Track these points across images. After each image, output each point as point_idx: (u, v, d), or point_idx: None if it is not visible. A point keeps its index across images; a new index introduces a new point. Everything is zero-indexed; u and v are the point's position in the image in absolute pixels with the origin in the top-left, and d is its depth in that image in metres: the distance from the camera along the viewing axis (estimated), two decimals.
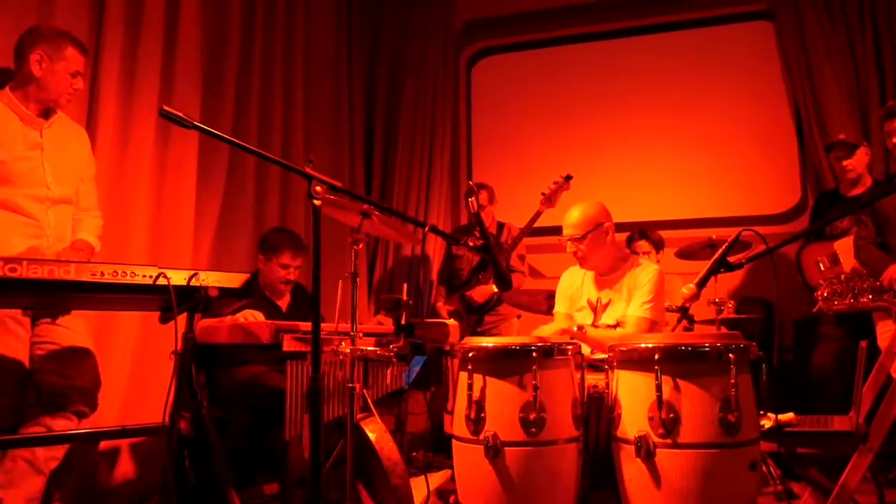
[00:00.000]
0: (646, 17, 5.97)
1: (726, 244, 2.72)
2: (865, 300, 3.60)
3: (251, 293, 3.38)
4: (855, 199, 4.29)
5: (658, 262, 4.86)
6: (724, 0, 5.76)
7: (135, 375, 3.47)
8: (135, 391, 3.46)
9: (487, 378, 2.56)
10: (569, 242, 3.36)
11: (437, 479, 3.96)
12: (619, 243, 3.46)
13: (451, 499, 3.16)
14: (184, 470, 2.76)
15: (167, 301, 2.20)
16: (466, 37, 6.53)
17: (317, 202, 2.16)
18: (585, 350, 2.88)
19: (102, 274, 2.11)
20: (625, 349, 2.55)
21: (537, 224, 4.83)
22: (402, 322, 2.96)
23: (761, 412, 2.60)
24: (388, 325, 3.46)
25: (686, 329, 4.05)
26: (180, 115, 2.00)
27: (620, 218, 5.45)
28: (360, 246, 2.63)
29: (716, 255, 2.70)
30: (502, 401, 2.53)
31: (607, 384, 2.66)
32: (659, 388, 2.36)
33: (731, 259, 2.69)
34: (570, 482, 2.56)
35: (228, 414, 3.27)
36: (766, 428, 2.67)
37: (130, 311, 3.30)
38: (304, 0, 5.21)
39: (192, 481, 2.80)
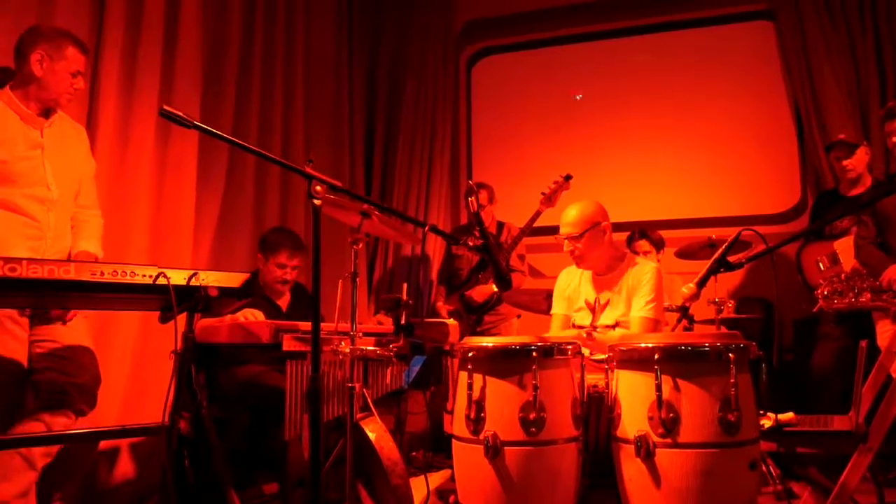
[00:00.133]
0: (646, 17, 5.97)
1: (726, 244, 2.72)
2: (865, 300, 3.60)
3: (251, 293, 3.39)
4: (855, 199, 4.29)
5: (658, 261, 4.86)
6: (725, 0, 5.76)
7: (134, 375, 3.47)
8: (134, 391, 3.46)
9: (487, 378, 2.56)
10: (566, 241, 3.36)
11: (436, 478, 3.96)
12: (616, 243, 3.45)
13: (451, 498, 3.16)
14: (183, 470, 2.76)
15: (167, 301, 2.20)
16: (466, 37, 6.53)
17: (317, 202, 2.16)
18: (584, 351, 2.87)
19: (102, 273, 2.11)
20: (624, 349, 2.55)
21: (537, 224, 4.83)
22: (402, 322, 2.96)
23: (761, 412, 2.60)
24: (387, 324, 3.46)
25: (686, 329, 4.05)
26: (180, 114, 2.00)
27: (620, 217, 5.46)
28: (360, 246, 2.63)
29: (716, 255, 2.70)
30: (502, 400, 2.53)
31: (607, 384, 2.66)
32: (659, 388, 2.36)
33: (731, 259, 2.69)
34: (569, 482, 2.56)
35: (228, 414, 3.27)
36: (766, 427, 2.67)
37: (130, 310, 3.30)
38: (304, 1, 5.21)
39: (192, 481, 2.80)
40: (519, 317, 5.07)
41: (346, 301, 2.58)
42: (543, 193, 4.85)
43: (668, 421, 2.35)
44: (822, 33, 5.22)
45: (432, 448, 4.61)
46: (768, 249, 2.60)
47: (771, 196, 5.54)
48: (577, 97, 6.02)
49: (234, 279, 2.37)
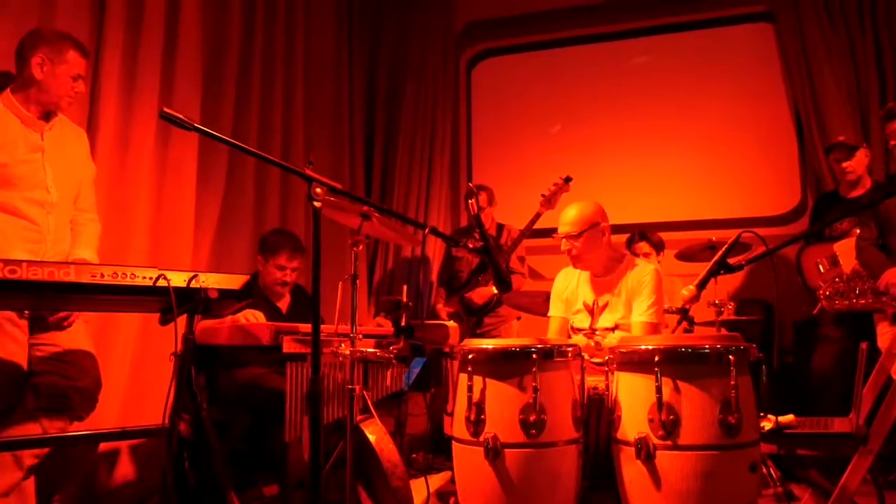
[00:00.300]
0: (646, 19, 5.97)
1: (726, 246, 2.72)
2: (864, 301, 3.60)
3: (251, 295, 3.39)
4: (854, 201, 4.29)
5: (659, 263, 4.86)
6: (725, 2, 5.76)
7: (134, 377, 3.47)
8: (134, 393, 3.46)
9: (487, 380, 2.56)
10: (563, 240, 3.34)
11: (436, 480, 3.96)
12: (614, 244, 3.44)
13: (451, 500, 3.16)
14: (183, 471, 2.77)
15: (167, 302, 2.20)
16: (467, 38, 6.53)
17: (317, 204, 2.16)
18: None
19: (102, 275, 2.11)
20: (624, 350, 2.55)
21: (537, 226, 4.83)
22: (402, 324, 2.96)
23: (761, 414, 2.60)
24: (387, 326, 3.46)
25: (686, 331, 4.05)
26: (180, 116, 2.00)
27: (621, 219, 5.48)
28: (360, 247, 2.63)
29: (716, 257, 2.70)
30: (502, 402, 2.53)
31: (607, 386, 2.66)
32: (659, 390, 2.36)
33: (731, 261, 2.69)
34: (570, 484, 2.56)
35: (228, 415, 3.27)
36: (767, 429, 2.67)
37: (130, 312, 3.30)
38: (304, 1, 5.22)
39: (192, 483, 2.80)
40: (519, 319, 5.07)
41: (346, 303, 2.58)
42: (543, 195, 4.85)
43: (668, 423, 2.35)
44: (822, 35, 5.22)
45: (432, 450, 4.61)
46: (768, 251, 2.60)
47: (771, 198, 5.54)
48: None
49: (234, 281, 2.37)
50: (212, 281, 2.31)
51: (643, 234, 4.94)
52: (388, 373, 3.02)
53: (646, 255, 4.80)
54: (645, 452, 2.36)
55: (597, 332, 3.23)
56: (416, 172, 6.13)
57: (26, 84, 2.74)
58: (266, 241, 3.77)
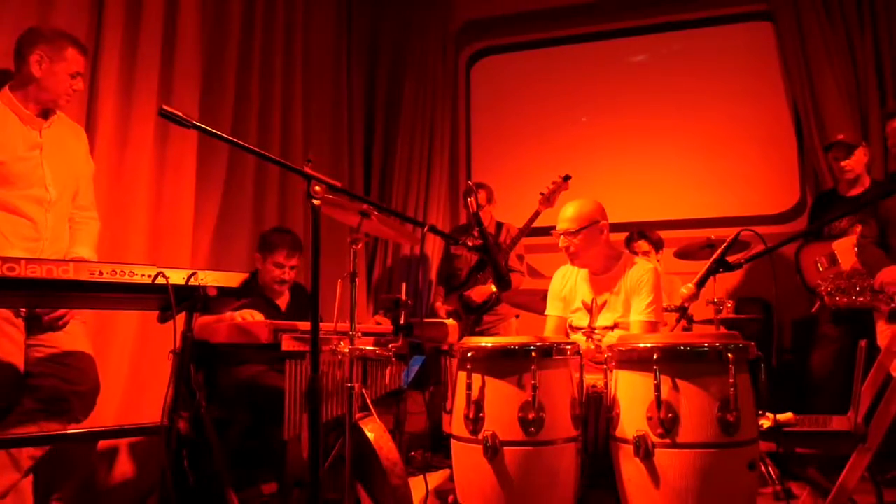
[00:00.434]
0: (645, 18, 5.98)
1: (725, 244, 2.72)
2: (863, 298, 3.61)
3: (250, 293, 3.38)
4: (853, 200, 4.29)
5: (658, 261, 4.86)
6: (724, 1, 5.76)
7: (133, 375, 3.47)
8: (133, 391, 3.46)
9: (486, 378, 2.56)
10: (561, 237, 3.34)
11: (435, 478, 3.96)
12: (612, 243, 3.44)
13: (450, 498, 3.16)
14: (182, 470, 2.76)
15: (166, 300, 2.19)
16: (466, 36, 6.53)
17: (316, 202, 2.16)
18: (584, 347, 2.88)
19: (101, 273, 2.10)
20: (623, 349, 2.55)
21: (536, 224, 4.83)
22: (401, 322, 2.96)
23: (760, 412, 2.60)
24: (386, 324, 3.46)
25: (685, 329, 4.05)
26: (179, 114, 2.00)
27: (619, 218, 5.46)
28: (359, 245, 2.63)
29: (715, 255, 2.70)
30: (501, 400, 2.53)
31: (606, 384, 2.66)
32: (658, 388, 2.36)
33: (730, 259, 2.69)
34: (568, 482, 2.56)
35: (227, 414, 3.27)
36: (765, 428, 2.67)
37: (129, 310, 3.30)
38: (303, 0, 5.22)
39: (191, 481, 2.80)
40: (517, 317, 5.07)
41: (345, 301, 2.58)
42: (542, 194, 4.85)
43: (666, 421, 2.35)
44: (822, 34, 5.23)
45: (431, 448, 4.61)
46: (767, 250, 2.60)
47: (770, 196, 5.54)
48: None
49: (233, 279, 2.37)
50: (211, 279, 2.30)
51: (642, 233, 4.95)
52: (387, 371, 3.02)
53: (645, 254, 4.80)
54: (644, 450, 2.37)
55: (596, 331, 3.23)
56: (416, 170, 6.13)
57: (25, 82, 2.73)
58: (265, 239, 3.77)
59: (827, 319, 4.24)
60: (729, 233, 2.80)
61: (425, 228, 2.68)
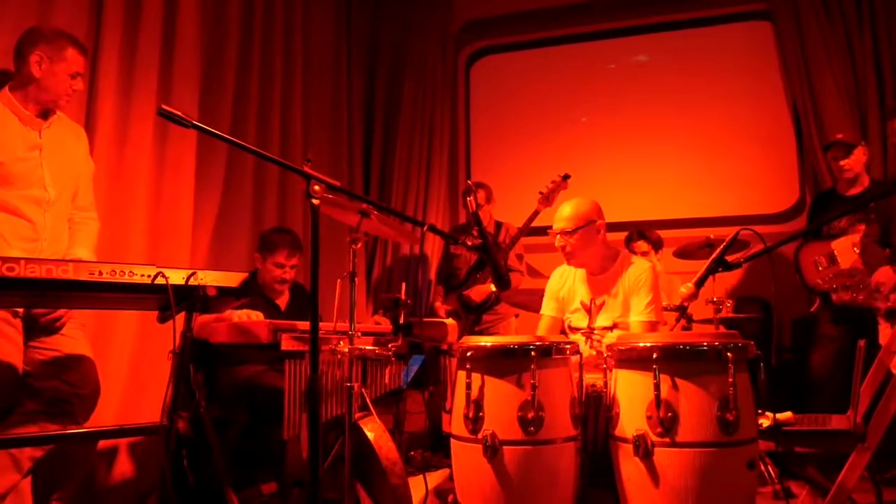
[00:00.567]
0: (644, 17, 5.98)
1: (724, 243, 2.73)
2: (863, 296, 3.61)
3: (250, 292, 3.38)
4: (852, 199, 4.30)
5: (658, 260, 4.87)
6: (723, 0, 5.76)
7: (133, 375, 3.47)
8: (133, 390, 3.46)
9: (486, 377, 2.56)
10: (558, 236, 3.34)
11: (435, 478, 3.96)
12: (609, 242, 3.43)
13: (450, 498, 3.16)
14: (182, 469, 2.76)
15: (165, 300, 2.19)
16: (465, 36, 6.53)
17: (315, 201, 2.16)
18: (583, 349, 2.88)
19: (100, 273, 2.10)
20: (623, 348, 2.55)
21: (535, 223, 4.83)
22: (401, 321, 2.96)
23: (759, 411, 2.60)
24: (386, 324, 3.46)
25: (684, 328, 4.06)
26: (179, 113, 2.00)
27: (619, 217, 5.48)
28: (359, 245, 2.62)
29: (714, 255, 2.70)
30: (500, 400, 2.53)
31: (605, 383, 2.67)
32: (657, 387, 2.36)
33: (730, 258, 2.70)
34: (568, 481, 2.56)
35: (227, 413, 3.27)
36: (765, 427, 2.67)
37: (128, 310, 3.30)
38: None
39: (191, 481, 2.80)
40: (517, 316, 5.07)
41: (344, 300, 2.58)
42: (541, 193, 4.85)
43: (666, 420, 2.35)
44: (821, 33, 5.23)
45: (431, 447, 4.61)
46: (766, 249, 2.61)
47: (769, 196, 5.54)
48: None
49: (232, 279, 2.37)
50: (210, 279, 2.30)
51: (641, 233, 4.95)
52: (387, 370, 3.02)
53: (644, 254, 4.80)
54: (643, 449, 2.37)
55: (595, 332, 3.23)
56: (415, 170, 6.13)
57: (25, 82, 2.73)
58: (265, 238, 3.77)
59: (826, 319, 4.24)
60: (728, 232, 2.80)
61: (425, 228, 2.68)
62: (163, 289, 2.17)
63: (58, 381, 2.66)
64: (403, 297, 3.06)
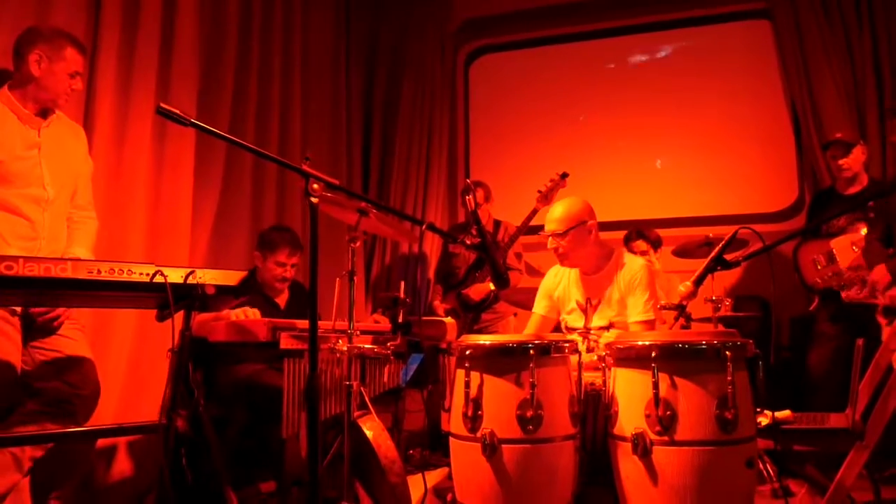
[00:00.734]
0: (643, 16, 5.98)
1: (723, 242, 2.73)
2: (866, 293, 3.61)
3: (249, 291, 3.38)
4: (851, 198, 4.30)
5: (657, 259, 4.87)
6: None
7: (131, 373, 3.47)
8: (132, 389, 3.46)
9: (484, 375, 2.56)
10: (550, 238, 3.34)
11: (434, 476, 3.96)
12: (603, 241, 3.43)
13: (449, 497, 3.16)
14: (181, 468, 2.76)
15: (164, 299, 2.19)
16: (464, 34, 6.53)
17: (314, 200, 2.16)
18: (581, 348, 2.88)
19: (99, 272, 2.10)
20: (622, 346, 2.55)
21: (533, 222, 4.82)
22: (400, 320, 2.96)
23: (758, 409, 2.61)
24: (385, 323, 3.46)
25: (683, 327, 4.06)
26: (177, 112, 2.00)
27: (617, 216, 5.50)
28: (358, 244, 2.63)
29: (713, 253, 2.70)
30: (499, 398, 2.53)
31: (604, 382, 2.67)
32: (656, 386, 2.36)
33: (728, 257, 2.70)
34: (567, 479, 2.56)
35: (225, 412, 3.27)
36: (763, 425, 2.68)
37: (127, 308, 3.29)
38: None
39: (190, 480, 2.80)
40: (515, 315, 5.07)
41: (343, 299, 2.58)
42: (540, 191, 4.84)
43: (664, 419, 2.35)
44: (820, 32, 5.22)
45: (430, 446, 4.61)
46: (765, 248, 2.61)
47: (768, 194, 5.54)
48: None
49: (231, 277, 2.37)
50: (209, 277, 2.30)
51: (640, 232, 4.95)
52: (386, 369, 3.02)
53: (643, 253, 4.80)
54: (642, 448, 2.37)
55: (591, 332, 3.23)
56: (414, 169, 6.13)
57: (24, 81, 2.73)
58: (265, 237, 3.77)
59: (825, 317, 4.24)
60: (727, 231, 2.80)
61: (424, 226, 2.68)
62: (161, 287, 2.17)
63: (59, 381, 2.67)
64: (402, 295, 3.06)
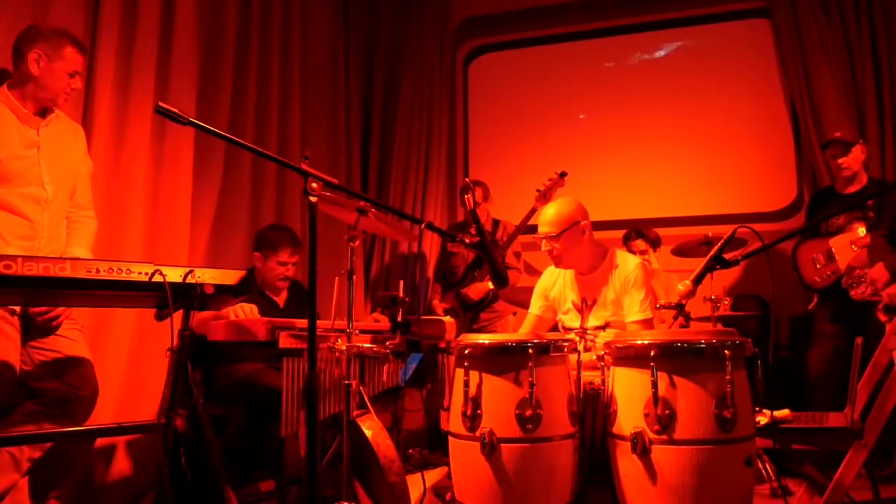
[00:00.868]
0: (642, 15, 5.97)
1: (722, 241, 2.73)
2: (871, 290, 3.62)
3: (248, 290, 3.38)
4: (851, 197, 4.30)
5: (656, 258, 4.87)
6: None
7: (131, 372, 3.47)
8: (131, 388, 3.46)
9: (483, 375, 2.56)
10: (544, 241, 3.34)
11: (433, 476, 3.96)
12: (597, 240, 3.43)
13: (448, 496, 3.16)
14: (180, 467, 2.77)
15: (163, 298, 2.20)
16: (464, 34, 6.53)
17: (313, 199, 2.16)
18: (580, 347, 2.88)
19: (98, 271, 2.10)
20: (621, 346, 2.55)
21: (532, 221, 4.82)
22: (399, 319, 2.96)
23: (757, 408, 2.61)
24: (384, 322, 3.46)
25: (682, 326, 4.06)
26: (175, 111, 2.00)
27: (616, 215, 5.50)
28: (357, 243, 2.62)
29: (712, 252, 2.71)
30: (498, 397, 2.54)
31: (603, 381, 2.67)
32: (655, 385, 2.36)
33: (727, 256, 2.70)
34: (566, 478, 2.57)
35: (225, 411, 3.27)
36: (762, 424, 2.68)
37: (126, 308, 3.29)
38: None
39: (189, 478, 2.80)
40: (514, 314, 5.07)
41: (342, 298, 2.58)
42: (538, 190, 4.84)
43: (663, 418, 2.35)
44: (819, 31, 5.22)
45: (429, 445, 4.61)
46: (764, 247, 2.61)
47: (767, 194, 5.54)
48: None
49: (230, 276, 2.37)
50: (208, 276, 2.31)
51: (639, 231, 4.95)
52: (385, 368, 3.02)
53: (642, 252, 4.81)
54: (640, 447, 2.37)
55: (588, 332, 3.23)
56: (413, 168, 6.13)
57: (23, 80, 2.72)
58: (265, 237, 3.76)
59: (824, 317, 4.25)
60: (726, 230, 2.80)
61: (423, 225, 2.68)
62: (160, 286, 2.17)
63: (59, 382, 2.67)
64: (401, 294, 3.06)
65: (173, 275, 2.22)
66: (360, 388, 2.66)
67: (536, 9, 6.27)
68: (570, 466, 2.58)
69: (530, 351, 2.51)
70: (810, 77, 5.23)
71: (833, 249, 4.14)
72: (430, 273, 5.75)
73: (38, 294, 2.29)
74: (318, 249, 2.17)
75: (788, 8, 5.36)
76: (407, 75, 6.26)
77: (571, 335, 3.25)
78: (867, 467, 2.73)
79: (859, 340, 2.73)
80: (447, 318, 3.45)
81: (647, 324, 3.22)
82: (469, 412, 2.55)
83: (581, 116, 6.11)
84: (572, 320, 3.37)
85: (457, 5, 6.50)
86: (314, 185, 2.16)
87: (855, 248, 4.04)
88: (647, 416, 2.39)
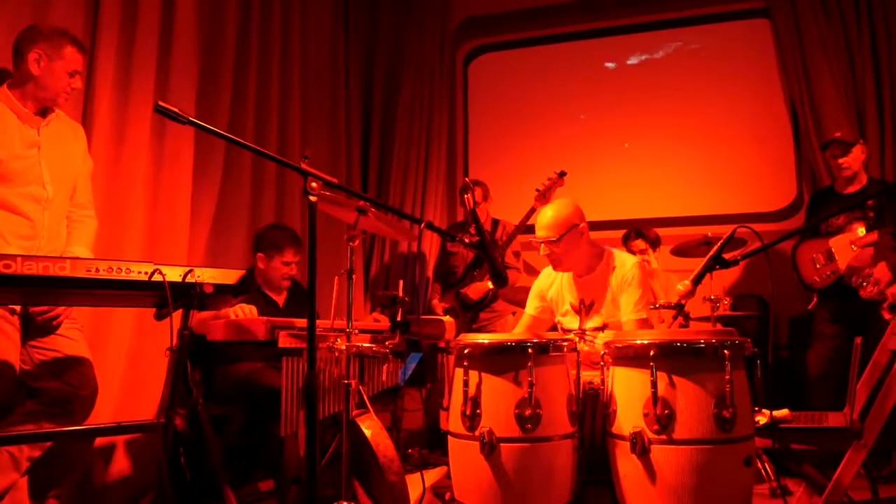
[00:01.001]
0: (642, 15, 5.97)
1: (721, 241, 2.73)
2: (876, 290, 3.62)
3: (248, 289, 3.38)
4: (850, 197, 4.30)
5: (655, 258, 4.87)
6: None
7: (130, 372, 3.47)
8: (130, 388, 3.45)
9: (483, 374, 2.56)
10: (542, 245, 3.33)
11: (432, 475, 3.96)
12: (593, 241, 3.43)
13: (447, 495, 3.16)
14: (180, 467, 2.77)
15: (163, 297, 2.20)
16: (464, 34, 6.53)
17: (313, 198, 2.16)
18: (580, 347, 2.88)
19: (98, 270, 2.10)
20: (620, 345, 2.55)
21: (531, 221, 4.82)
22: (398, 319, 2.96)
23: (756, 408, 2.61)
24: (383, 321, 3.46)
25: (681, 326, 4.06)
26: (175, 110, 2.00)
27: (616, 215, 5.50)
28: (356, 242, 2.63)
29: (711, 252, 2.71)
30: (498, 397, 2.54)
31: (602, 380, 2.67)
32: (654, 385, 2.36)
33: (727, 256, 2.70)
34: (565, 478, 2.57)
35: (224, 411, 3.27)
36: (761, 424, 2.68)
37: (126, 307, 3.29)
38: None
39: (188, 478, 2.80)
40: (514, 314, 5.07)
41: (342, 298, 2.58)
42: (538, 190, 4.84)
43: (663, 417, 2.36)
44: (819, 31, 5.22)
45: (428, 445, 4.61)
46: (764, 247, 2.61)
47: (767, 194, 5.54)
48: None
49: (230, 276, 2.37)
50: (207, 276, 2.31)
51: (639, 231, 4.95)
52: (384, 368, 3.02)
53: (642, 252, 4.80)
54: (640, 447, 2.37)
55: (587, 333, 3.23)
56: (413, 167, 6.13)
57: (23, 80, 2.73)
58: (267, 238, 3.75)
59: (823, 317, 4.25)
60: (726, 230, 2.80)
61: (422, 225, 2.68)
62: (160, 286, 2.17)
63: (59, 381, 2.67)
64: (401, 294, 3.06)
65: (173, 274, 2.22)
66: (360, 387, 2.66)
67: (536, 9, 6.27)
68: (569, 466, 2.58)
69: (530, 350, 2.51)
70: (810, 77, 5.23)
71: (833, 249, 4.14)
72: (430, 273, 5.75)
73: (38, 293, 2.29)
74: (318, 249, 2.17)
75: (788, 8, 5.36)
76: (407, 75, 6.26)
77: (570, 336, 3.26)
78: (866, 467, 2.73)
79: (859, 340, 2.73)
80: (447, 318, 3.45)
81: (641, 323, 3.21)
82: (468, 412, 2.55)
83: (581, 117, 6.11)
84: (570, 322, 3.37)
85: (457, 5, 6.50)
86: (314, 184, 2.16)
87: (855, 248, 4.05)
88: (646, 415, 2.39)
